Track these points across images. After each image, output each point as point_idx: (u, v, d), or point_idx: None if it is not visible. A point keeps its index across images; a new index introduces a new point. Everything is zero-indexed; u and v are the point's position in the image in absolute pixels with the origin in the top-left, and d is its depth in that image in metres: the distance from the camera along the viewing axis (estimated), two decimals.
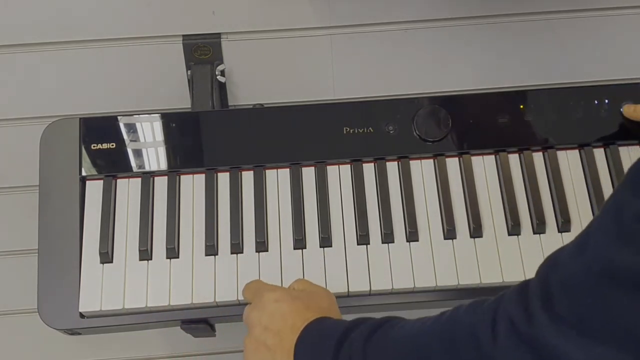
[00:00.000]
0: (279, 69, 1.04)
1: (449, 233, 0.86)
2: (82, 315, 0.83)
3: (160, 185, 0.88)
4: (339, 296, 0.83)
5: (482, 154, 0.89)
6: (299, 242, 0.85)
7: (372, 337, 0.63)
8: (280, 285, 0.82)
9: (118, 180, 0.89)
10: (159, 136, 0.90)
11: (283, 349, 0.69)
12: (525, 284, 0.55)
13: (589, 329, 0.49)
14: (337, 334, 0.66)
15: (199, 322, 0.84)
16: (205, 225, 0.86)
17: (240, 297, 0.82)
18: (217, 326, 0.89)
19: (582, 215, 0.86)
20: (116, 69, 1.03)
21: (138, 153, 0.89)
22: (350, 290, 0.83)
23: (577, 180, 0.88)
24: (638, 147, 0.89)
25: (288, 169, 0.89)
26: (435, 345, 0.59)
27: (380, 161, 0.90)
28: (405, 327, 0.64)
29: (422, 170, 0.89)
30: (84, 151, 0.89)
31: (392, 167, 0.89)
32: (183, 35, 1.00)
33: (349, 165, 0.90)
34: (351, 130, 0.90)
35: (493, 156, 0.89)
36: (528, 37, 1.04)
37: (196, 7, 0.98)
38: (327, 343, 0.66)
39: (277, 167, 0.89)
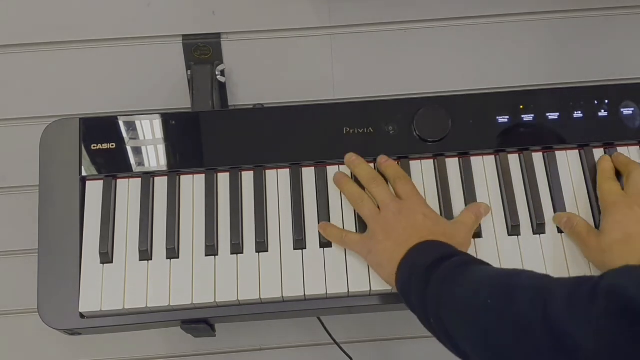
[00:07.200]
0: (279, 69, 1.04)
1: None
2: (82, 316, 0.83)
3: (160, 185, 0.88)
4: (339, 296, 0.83)
5: (482, 154, 0.89)
6: (299, 242, 0.85)
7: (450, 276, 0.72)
8: (278, 286, 0.83)
9: (118, 180, 0.89)
10: (159, 136, 0.90)
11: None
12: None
13: None
14: (430, 260, 0.75)
15: (199, 322, 0.84)
16: (205, 225, 0.86)
17: (241, 297, 0.82)
18: (217, 326, 0.89)
19: (582, 215, 0.86)
20: (116, 69, 1.03)
21: (138, 153, 0.89)
22: (350, 290, 0.83)
23: (577, 180, 0.88)
24: (638, 147, 0.89)
25: (288, 169, 0.89)
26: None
27: None
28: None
29: (422, 170, 0.89)
30: (84, 151, 0.89)
31: None
32: (183, 35, 1.00)
33: None
34: (351, 130, 0.90)
35: (493, 156, 0.89)
36: (528, 37, 1.04)
37: (196, 7, 0.98)
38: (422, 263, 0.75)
39: (277, 167, 0.89)
